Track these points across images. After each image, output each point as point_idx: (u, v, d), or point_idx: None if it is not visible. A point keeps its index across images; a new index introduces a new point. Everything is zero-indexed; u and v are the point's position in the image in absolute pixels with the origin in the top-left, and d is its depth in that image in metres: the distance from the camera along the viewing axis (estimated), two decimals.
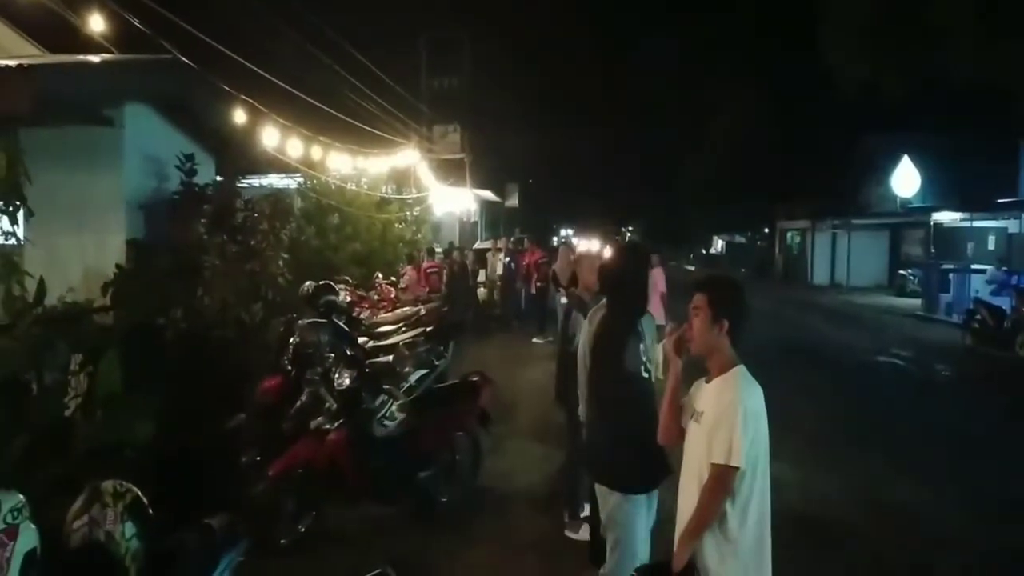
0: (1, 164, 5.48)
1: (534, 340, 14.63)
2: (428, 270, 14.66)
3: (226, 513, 3.28)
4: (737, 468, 2.77)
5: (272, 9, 11.37)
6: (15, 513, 1.82)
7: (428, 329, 9.46)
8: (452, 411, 6.16)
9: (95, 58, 6.86)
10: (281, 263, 7.38)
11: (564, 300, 13.21)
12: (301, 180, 13.11)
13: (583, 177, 53.48)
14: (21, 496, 1.87)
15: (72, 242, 6.45)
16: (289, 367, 6.29)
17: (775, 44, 32.24)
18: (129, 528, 2.54)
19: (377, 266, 14.32)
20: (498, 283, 18.06)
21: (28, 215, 5.83)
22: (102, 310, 6.07)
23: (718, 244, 56.82)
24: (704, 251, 57.72)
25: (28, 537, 1.84)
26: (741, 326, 2.98)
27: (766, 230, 43.02)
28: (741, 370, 2.93)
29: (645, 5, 50.99)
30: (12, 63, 5.47)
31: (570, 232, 50.04)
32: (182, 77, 7.30)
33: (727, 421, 2.79)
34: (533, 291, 16.24)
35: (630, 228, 62.59)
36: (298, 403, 5.82)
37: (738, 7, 35.32)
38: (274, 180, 13.27)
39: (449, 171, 24.09)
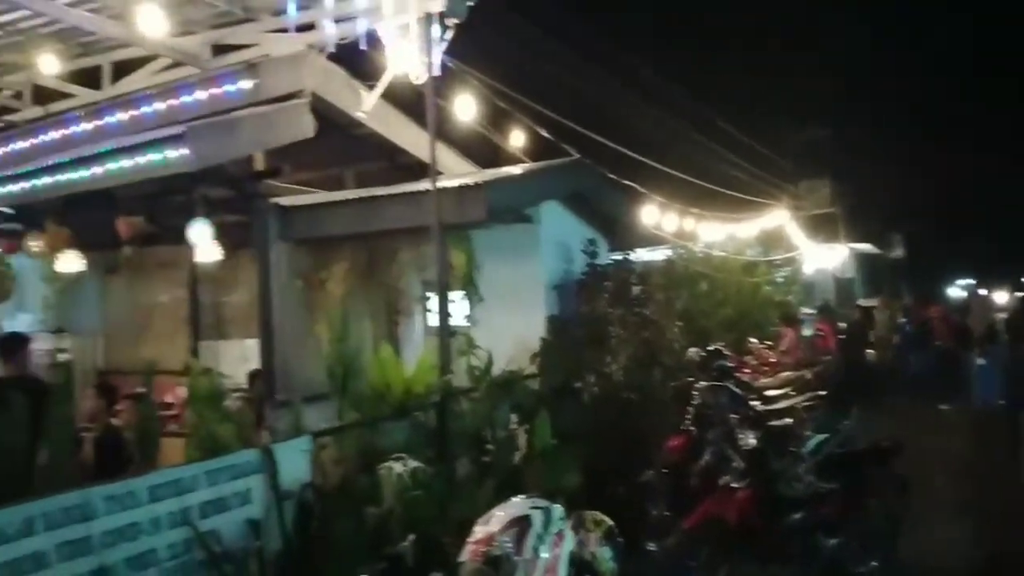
0: (462, 262, 7.02)
1: (940, 407, 13.11)
2: (816, 331, 14.10)
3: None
4: None
5: (645, 95, 12.50)
6: (561, 520, 2.46)
7: (821, 393, 9.20)
8: (862, 477, 5.94)
9: (517, 169, 8.41)
10: (676, 330, 7.96)
11: (981, 360, 11.76)
12: (670, 251, 13.73)
13: (983, 217, 46.18)
14: (561, 508, 2.51)
15: (506, 321, 7.75)
16: (692, 427, 6.71)
17: None
18: (607, 551, 3.10)
19: (746, 330, 14.15)
20: (892, 343, 16.56)
21: (478, 300, 7.31)
22: (531, 377, 7.20)
23: None
24: None
25: (569, 540, 2.46)
26: None
27: None
28: None
29: None
30: (470, 182, 7.00)
31: (972, 282, 43.32)
32: (582, 173, 8.55)
33: None
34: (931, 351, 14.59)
35: None
36: (702, 461, 6.18)
37: None
38: (642, 253, 14.13)
39: (819, 227, 23.04)
